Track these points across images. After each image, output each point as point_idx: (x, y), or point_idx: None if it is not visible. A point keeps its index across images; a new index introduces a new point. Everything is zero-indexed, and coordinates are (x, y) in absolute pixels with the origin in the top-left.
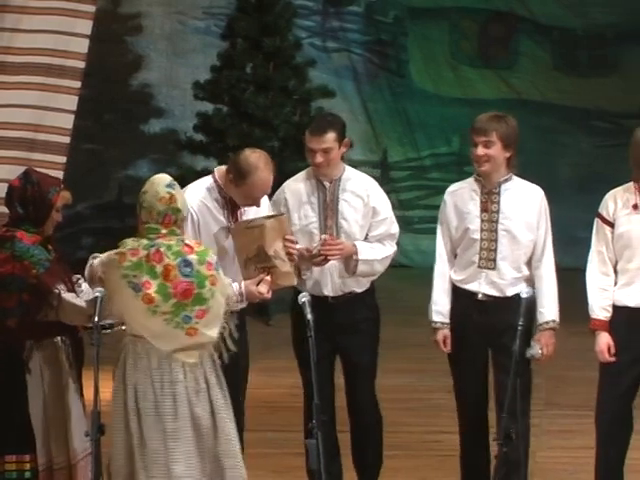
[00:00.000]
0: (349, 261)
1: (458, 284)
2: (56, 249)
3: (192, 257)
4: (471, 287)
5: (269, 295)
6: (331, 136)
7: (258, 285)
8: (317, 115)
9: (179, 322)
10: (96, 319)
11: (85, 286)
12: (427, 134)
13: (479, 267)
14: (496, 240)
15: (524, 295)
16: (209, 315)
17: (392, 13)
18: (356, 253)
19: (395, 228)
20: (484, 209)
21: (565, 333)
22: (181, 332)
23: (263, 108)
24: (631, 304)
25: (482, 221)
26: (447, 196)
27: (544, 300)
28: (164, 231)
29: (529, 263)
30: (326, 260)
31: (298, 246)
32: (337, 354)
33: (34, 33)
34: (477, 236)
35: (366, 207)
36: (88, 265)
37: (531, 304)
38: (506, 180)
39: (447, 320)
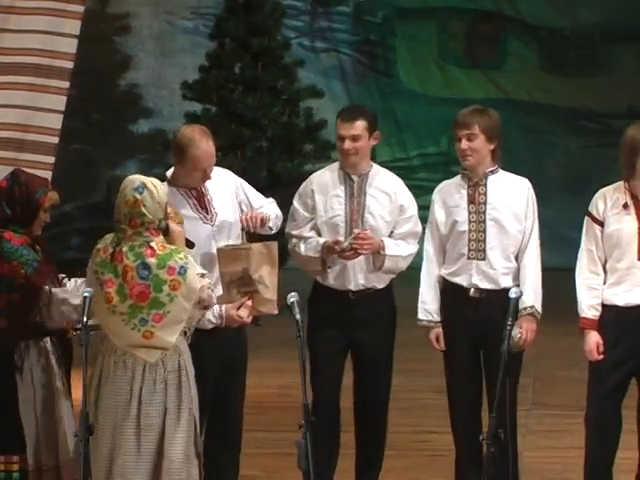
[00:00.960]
0: (376, 256)
1: (449, 278)
2: (44, 249)
3: (151, 260)
4: (462, 280)
5: (249, 320)
6: (361, 124)
7: (238, 309)
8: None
9: (136, 324)
10: (85, 319)
11: (69, 285)
12: (415, 134)
13: (469, 258)
14: (484, 230)
15: (513, 295)
16: (166, 320)
17: (380, 13)
18: (383, 248)
19: (419, 227)
20: (471, 201)
21: (555, 333)
22: (137, 334)
23: (251, 108)
24: (620, 303)
25: (469, 212)
26: (435, 195)
27: (525, 286)
28: (130, 232)
29: (517, 255)
30: (357, 254)
31: (325, 238)
32: (349, 352)
33: (22, 33)
34: (465, 228)
35: (393, 204)
36: None
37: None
38: (492, 172)
39: (436, 318)
